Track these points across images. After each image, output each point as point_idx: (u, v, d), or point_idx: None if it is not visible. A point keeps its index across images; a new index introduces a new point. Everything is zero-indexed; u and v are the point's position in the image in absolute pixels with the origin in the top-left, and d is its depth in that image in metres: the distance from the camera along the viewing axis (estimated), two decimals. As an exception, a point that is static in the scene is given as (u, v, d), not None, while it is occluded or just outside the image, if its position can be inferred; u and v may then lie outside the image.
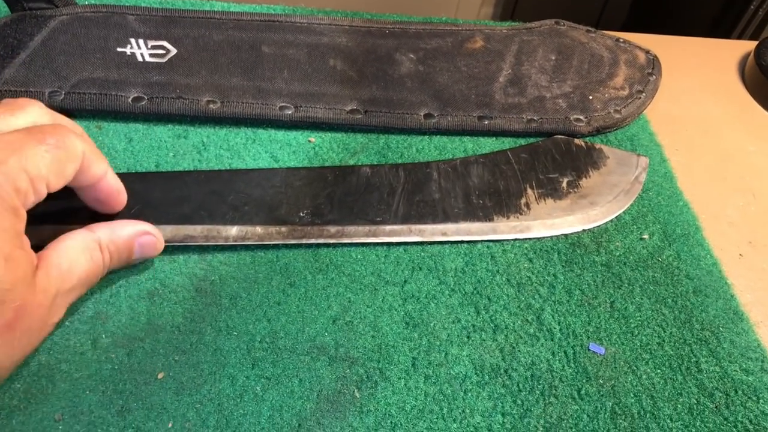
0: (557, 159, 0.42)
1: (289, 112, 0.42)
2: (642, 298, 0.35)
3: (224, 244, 0.35)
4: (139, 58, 0.43)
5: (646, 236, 0.39)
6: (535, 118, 0.44)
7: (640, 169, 0.42)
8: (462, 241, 0.37)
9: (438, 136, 0.44)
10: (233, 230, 0.35)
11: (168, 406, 0.29)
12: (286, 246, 0.36)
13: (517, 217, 0.38)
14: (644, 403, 0.31)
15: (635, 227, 0.39)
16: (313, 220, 0.36)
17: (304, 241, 0.35)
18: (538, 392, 0.31)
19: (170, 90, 0.42)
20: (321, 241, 0.35)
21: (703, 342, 0.34)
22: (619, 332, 0.34)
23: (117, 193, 0.31)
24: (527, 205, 0.38)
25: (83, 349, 0.30)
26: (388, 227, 0.36)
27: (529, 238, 0.38)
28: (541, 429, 0.30)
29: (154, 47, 0.44)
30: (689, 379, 0.32)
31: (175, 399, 0.29)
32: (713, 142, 0.47)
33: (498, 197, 0.39)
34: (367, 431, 0.29)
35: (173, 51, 0.44)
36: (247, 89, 0.42)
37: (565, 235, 0.38)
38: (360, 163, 0.41)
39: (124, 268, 0.33)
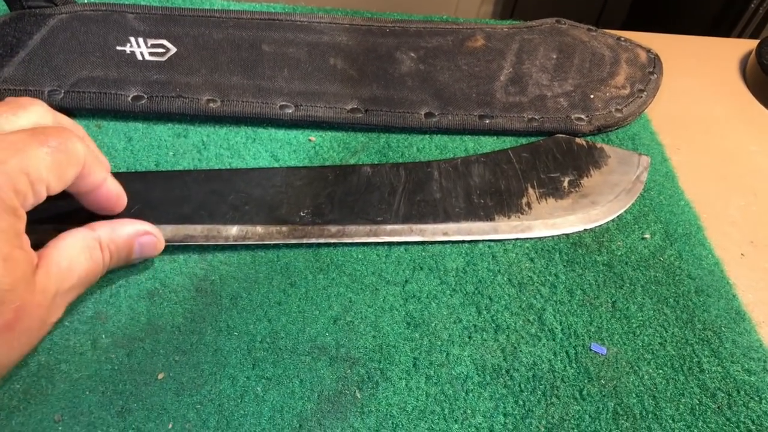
0: (558, 158, 0.41)
1: (290, 111, 0.42)
2: (644, 298, 0.35)
3: (224, 243, 0.34)
4: (139, 57, 0.43)
5: (647, 236, 0.38)
6: (536, 117, 0.44)
7: (642, 168, 0.42)
8: (463, 241, 0.37)
9: (439, 136, 0.44)
10: (233, 230, 0.35)
11: (168, 406, 0.29)
12: (287, 246, 0.36)
13: (519, 217, 0.38)
14: (646, 404, 0.31)
15: (637, 227, 0.39)
16: (314, 219, 0.36)
17: (304, 241, 0.35)
18: (539, 393, 0.31)
19: (170, 89, 0.41)
20: (322, 240, 0.35)
21: (705, 342, 0.34)
22: (620, 332, 0.34)
23: (117, 198, 0.31)
24: (528, 204, 0.38)
25: (83, 350, 0.30)
26: (389, 227, 0.36)
27: (531, 238, 0.38)
28: (542, 429, 0.30)
29: (153, 46, 0.43)
30: (691, 379, 0.32)
31: (176, 400, 0.29)
32: (715, 141, 0.47)
33: (499, 197, 0.38)
34: (368, 432, 0.29)
35: (173, 49, 0.43)
36: (247, 88, 0.42)
37: (567, 235, 0.38)
38: (361, 163, 0.41)
39: (124, 268, 0.33)
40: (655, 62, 0.49)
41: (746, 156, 0.46)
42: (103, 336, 0.31)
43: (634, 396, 0.31)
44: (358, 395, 0.30)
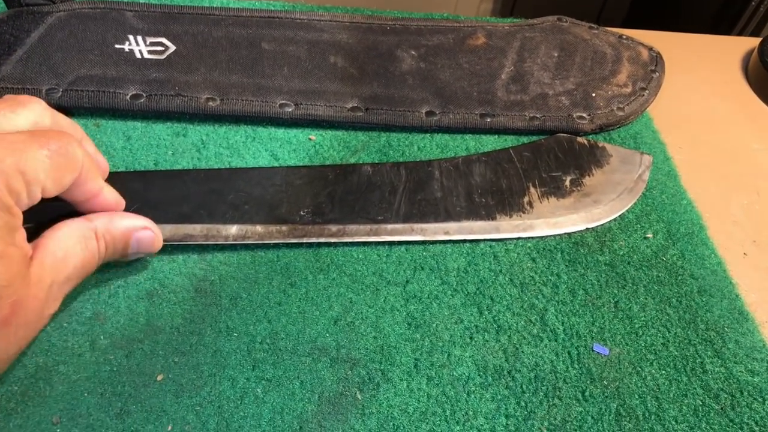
0: (560, 157, 0.41)
1: (290, 109, 0.42)
2: (646, 298, 0.35)
3: (224, 243, 0.34)
4: (138, 55, 0.42)
5: (650, 235, 0.38)
6: (537, 115, 0.43)
7: (644, 167, 0.41)
8: (464, 241, 0.37)
9: (440, 134, 0.43)
10: (233, 229, 0.34)
11: (167, 408, 0.29)
12: (287, 245, 0.35)
13: (520, 216, 0.37)
14: (649, 405, 0.31)
15: (639, 226, 0.39)
16: (314, 219, 0.35)
17: (304, 241, 0.35)
18: (541, 394, 0.31)
19: (169, 87, 0.41)
20: (322, 240, 0.35)
21: (708, 342, 0.34)
22: (623, 333, 0.33)
23: (115, 206, 0.31)
24: (530, 203, 0.38)
25: (81, 351, 0.30)
26: (389, 226, 0.36)
27: (532, 237, 0.37)
28: (545, 431, 0.30)
29: (152, 44, 0.43)
30: (694, 380, 0.32)
31: (175, 401, 0.29)
32: (717, 139, 0.46)
33: (500, 196, 0.38)
34: (369, 434, 0.29)
35: (172, 48, 0.43)
36: (246, 86, 0.42)
37: (569, 234, 0.38)
38: (361, 162, 0.40)
39: (120, 262, 0.33)
40: (657, 60, 0.48)
41: (749, 154, 0.46)
42: (102, 337, 0.31)
43: (636, 397, 0.31)
44: (359, 397, 0.30)
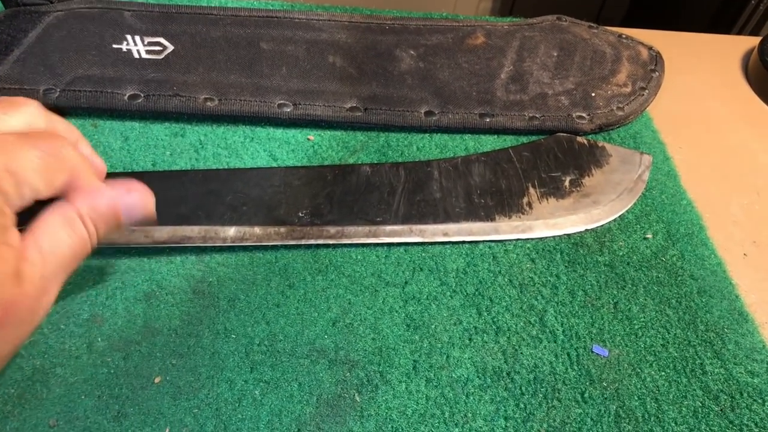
0: (560, 157, 0.41)
1: (288, 109, 0.41)
2: (646, 299, 0.35)
3: (222, 245, 0.34)
4: (136, 55, 0.42)
5: (649, 236, 0.38)
6: (537, 115, 0.43)
7: (644, 167, 0.41)
8: (463, 242, 0.37)
9: (439, 134, 0.43)
10: (231, 231, 0.34)
11: (165, 411, 0.29)
12: (285, 247, 0.35)
13: (520, 217, 0.37)
14: (648, 406, 0.31)
15: (639, 226, 0.39)
16: (313, 220, 0.35)
17: (303, 242, 0.35)
18: (541, 395, 0.31)
19: (167, 87, 0.41)
20: (320, 241, 0.35)
21: (708, 343, 0.33)
22: (622, 334, 0.33)
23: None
24: (529, 204, 0.38)
25: (78, 353, 0.30)
26: (388, 227, 0.36)
27: (532, 238, 0.37)
28: (544, 433, 0.29)
29: (150, 44, 0.43)
30: (694, 381, 0.32)
31: (173, 404, 0.29)
32: (717, 139, 0.46)
33: (500, 196, 0.38)
34: (367, 436, 0.29)
35: (170, 48, 0.43)
36: (245, 86, 0.42)
37: (568, 235, 0.38)
38: (360, 162, 0.40)
39: (121, 259, 0.32)
40: (656, 60, 0.48)
41: (749, 154, 0.45)
42: (99, 339, 0.31)
43: (636, 398, 0.31)
44: (358, 399, 0.30)
